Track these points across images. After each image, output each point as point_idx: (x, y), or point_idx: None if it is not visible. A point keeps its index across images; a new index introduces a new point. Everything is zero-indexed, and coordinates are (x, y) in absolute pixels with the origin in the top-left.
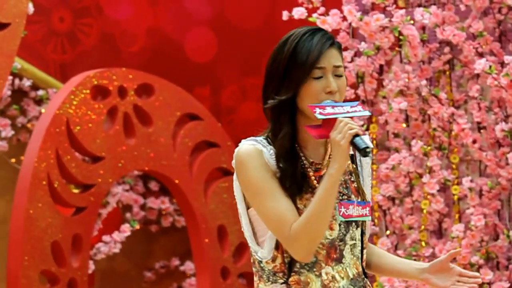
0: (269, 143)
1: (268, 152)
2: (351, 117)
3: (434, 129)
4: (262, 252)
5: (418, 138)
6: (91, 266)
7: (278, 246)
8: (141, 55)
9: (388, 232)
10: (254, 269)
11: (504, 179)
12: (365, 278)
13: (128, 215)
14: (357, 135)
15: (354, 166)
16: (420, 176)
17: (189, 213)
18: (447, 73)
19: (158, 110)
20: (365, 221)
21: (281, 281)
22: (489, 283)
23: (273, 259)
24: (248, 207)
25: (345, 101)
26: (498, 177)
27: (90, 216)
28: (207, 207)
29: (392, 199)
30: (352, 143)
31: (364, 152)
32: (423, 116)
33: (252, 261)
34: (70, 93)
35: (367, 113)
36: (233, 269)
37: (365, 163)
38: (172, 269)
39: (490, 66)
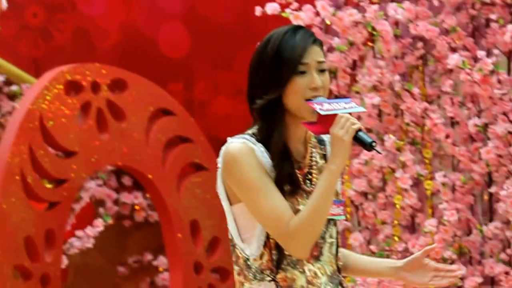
0: (257, 140)
1: (259, 150)
2: (350, 113)
3: (407, 124)
4: (250, 249)
5: (391, 133)
6: (64, 261)
7: (266, 243)
8: (114, 50)
9: (360, 227)
10: (237, 268)
11: (477, 174)
12: (340, 275)
13: (101, 210)
14: (359, 130)
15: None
16: (393, 171)
17: (162, 208)
18: (420, 68)
19: (131, 105)
20: (339, 220)
21: (269, 278)
22: (462, 278)
23: (261, 256)
24: (231, 204)
25: (336, 98)
26: (471, 172)
27: (63, 211)
28: (180, 202)
29: (364, 194)
30: (356, 138)
31: (370, 146)
32: (396, 111)
33: (234, 259)
34: (43, 88)
35: (362, 109)
36: (206, 264)
37: None
38: (145, 264)
39: (463, 61)
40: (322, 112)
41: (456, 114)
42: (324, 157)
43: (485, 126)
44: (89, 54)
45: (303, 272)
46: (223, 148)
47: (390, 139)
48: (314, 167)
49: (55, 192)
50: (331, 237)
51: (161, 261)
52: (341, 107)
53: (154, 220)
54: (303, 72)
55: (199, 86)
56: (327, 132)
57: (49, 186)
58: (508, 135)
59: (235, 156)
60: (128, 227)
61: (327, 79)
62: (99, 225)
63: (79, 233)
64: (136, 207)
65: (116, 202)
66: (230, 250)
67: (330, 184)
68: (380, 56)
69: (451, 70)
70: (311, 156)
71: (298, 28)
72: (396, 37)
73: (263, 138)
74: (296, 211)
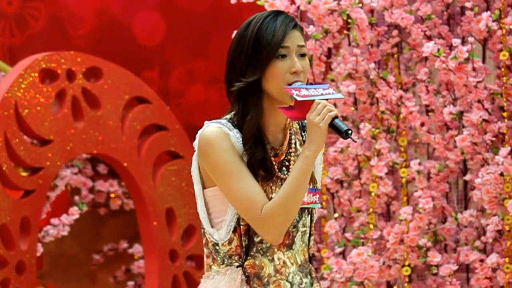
0: (234, 126)
1: (235, 136)
2: (327, 99)
3: (383, 112)
4: (218, 234)
5: (367, 121)
6: (40, 249)
7: (235, 229)
8: (89, 38)
9: (336, 215)
10: (206, 251)
11: (452, 162)
12: (310, 265)
13: (76, 198)
14: (336, 117)
15: None
16: (368, 159)
17: (137, 196)
18: (396, 56)
19: (106, 93)
20: (314, 208)
21: (237, 264)
22: (437, 266)
23: (230, 242)
24: (204, 188)
25: (314, 83)
26: (446, 160)
27: (38, 199)
28: (156, 190)
29: (340, 182)
30: (332, 125)
31: (345, 134)
32: (372, 99)
33: (204, 242)
34: (18, 77)
35: (340, 95)
36: (182, 252)
37: None
38: (120, 251)
39: (438, 49)
40: (298, 98)
41: (431, 102)
42: (304, 143)
43: (460, 114)
44: (64, 42)
45: (272, 260)
46: (199, 132)
47: (366, 127)
48: (293, 154)
49: (31, 180)
50: (304, 226)
51: (137, 249)
52: (319, 93)
53: (130, 208)
54: (283, 56)
55: (174, 74)
56: (303, 118)
57: (24, 174)
58: (483, 123)
59: (210, 140)
60: (103, 215)
61: (307, 63)
62: (74, 213)
63: (54, 221)
64: (112, 195)
65: (91, 190)
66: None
67: (304, 170)
68: (355, 44)
69: (426, 58)
70: (290, 143)
71: (279, 13)
72: (371, 25)
73: (239, 123)
74: (270, 199)
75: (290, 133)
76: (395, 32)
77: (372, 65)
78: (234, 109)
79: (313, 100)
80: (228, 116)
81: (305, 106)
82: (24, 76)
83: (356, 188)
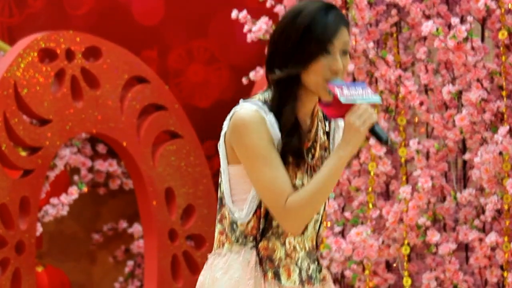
0: (269, 110)
1: (270, 121)
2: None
3: (381, 92)
4: (239, 213)
5: None
6: (39, 229)
7: (256, 211)
8: (88, 18)
9: (335, 194)
10: (220, 227)
11: (451, 141)
12: (317, 252)
13: (76, 177)
14: (376, 123)
15: (328, 143)
16: (367, 138)
17: (136, 175)
18: (394, 35)
19: (105, 73)
20: (328, 198)
21: (251, 244)
22: (436, 245)
23: (248, 222)
24: (229, 163)
25: (353, 81)
26: (445, 139)
27: (37, 179)
28: (155, 169)
29: None
30: (373, 131)
31: (385, 143)
32: (370, 78)
33: (219, 218)
34: (17, 56)
35: (378, 100)
36: (181, 231)
37: (337, 140)
38: (120, 231)
39: (437, 29)
40: (342, 100)
41: (430, 81)
42: (326, 134)
43: (459, 93)
44: (63, 22)
45: (284, 244)
46: (234, 110)
47: None
48: (318, 141)
49: (30, 160)
50: (317, 213)
51: (136, 229)
52: (359, 94)
53: (129, 188)
54: (327, 52)
55: (173, 54)
56: (342, 117)
57: (23, 153)
58: (482, 102)
59: (246, 122)
60: (102, 195)
61: (348, 61)
62: (73, 192)
63: (53, 200)
64: (111, 175)
65: (90, 169)
66: (217, 208)
67: (336, 170)
68: (354, 23)
69: (425, 37)
70: (317, 130)
71: (331, 7)
72: (370, 4)
73: (274, 108)
74: (292, 186)
75: (317, 119)
76: (394, 12)
77: (371, 44)
78: (271, 92)
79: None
80: (262, 98)
81: (345, 106)
82: (23, 55)
83: (355, 168)
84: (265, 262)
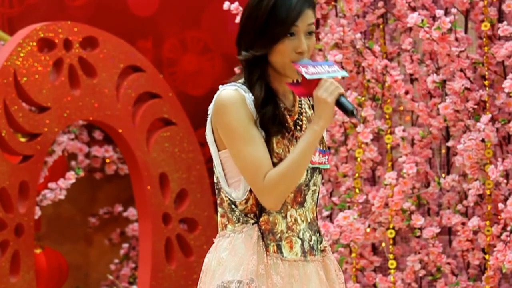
0: (248, 89)
1: (250, 98)
2: (333, 77)
3: (368, 81)
4: (236, 193)
5: (353, 89)
6: (37, 212)
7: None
8: (85, 8)
9: (323, 180)
10: (221, 210)
11: (435, 128)
12: (318, 223)
13: (73, 163)
14: (342, 94)
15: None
16: (355, 126)
17: (132, 161)
18: (381, 26)
19: (102, 62)
20: (324, 169)
21: (252, 221)
22: (420, 228)
23: (246, 200)
24: (219, 150)
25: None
26: (430, 126)
27: (36, 164)
28: (149, 155)
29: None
30: (339, 103)
31: (351, 113)
32: (358, 68)
33: (219, 202)
34: (17, 46)
35: (345, 73)
36: (174, 215)
37: None
38: (115, 215)
39: (422, 20)
40: (307, 76)
41: (415, 71)
42: (312, 107)
43: (443, 82)
44: (61, 13)
45: (285, 217)
46: (216, 95)
47: (352, 95)
48: (304, 114)
49: (29, 146)
50: (314, 184)
51: (131, 212)
52: (325, 71)
53: (124, 173)
54: (292, 34)
55: (167, 44)
56: (310, 95)
57: (23, 140)
58: (465, 91)
59: (225, 103)
60: (99, 180)
61: (313, 42)
62: (71, 177)
63: (51, 185)
64: (107, 160)
65: (87, 155)
66: (210, 193)
67: (311, 143)
68: (342, 15)
69: (410, 29)
70: (301, 103)
71: None
72: None
73: (248, 88)
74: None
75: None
76: (380, 4)
77: (358, 35)
78: (244, 75)
79: (321, 78)
80: (241, 80)
81: (312, 83)
82: (22, 45)
83: (342, 154)
84: (266, 236)
